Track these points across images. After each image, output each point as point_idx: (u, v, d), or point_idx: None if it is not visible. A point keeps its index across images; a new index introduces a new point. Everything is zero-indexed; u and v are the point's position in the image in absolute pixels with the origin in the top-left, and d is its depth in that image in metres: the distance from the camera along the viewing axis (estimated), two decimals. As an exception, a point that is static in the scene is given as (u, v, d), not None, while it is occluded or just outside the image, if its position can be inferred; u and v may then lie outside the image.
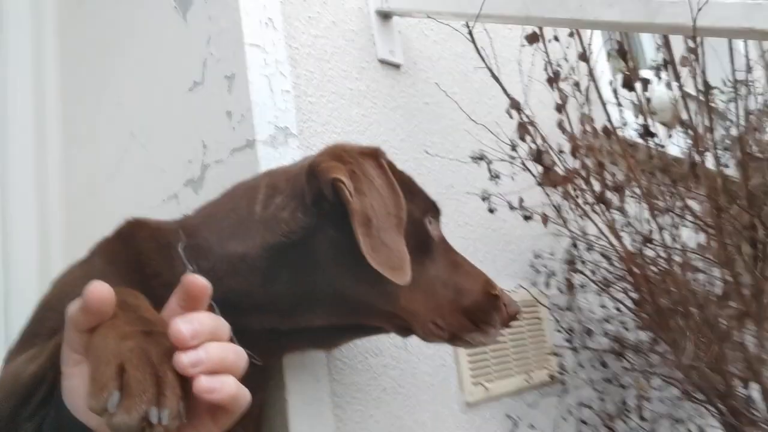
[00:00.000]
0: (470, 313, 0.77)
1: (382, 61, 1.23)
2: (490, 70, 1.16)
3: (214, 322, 0.48)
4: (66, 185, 1.37)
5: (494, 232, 1.37)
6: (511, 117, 1.19)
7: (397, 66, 1.27)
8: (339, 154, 0.75)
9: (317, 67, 1.09)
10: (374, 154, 0.78)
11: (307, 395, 0.89)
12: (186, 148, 1.07)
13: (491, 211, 1.25)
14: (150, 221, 0.80)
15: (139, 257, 0.74)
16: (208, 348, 0.45)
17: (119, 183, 1.24)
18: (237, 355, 0.49)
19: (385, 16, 1.26)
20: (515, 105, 1.15)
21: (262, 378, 0.84)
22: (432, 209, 0.82)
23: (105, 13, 1.32)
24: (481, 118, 1.35)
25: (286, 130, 0.99)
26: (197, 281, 0.49)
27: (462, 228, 1.30)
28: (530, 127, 1.16)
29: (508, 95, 1.17)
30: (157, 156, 1.14)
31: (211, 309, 0.73)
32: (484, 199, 1.22)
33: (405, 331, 0.80)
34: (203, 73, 1.04)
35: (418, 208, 0.79)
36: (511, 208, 1.29)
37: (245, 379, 0.54)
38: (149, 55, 1.19)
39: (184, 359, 0.44)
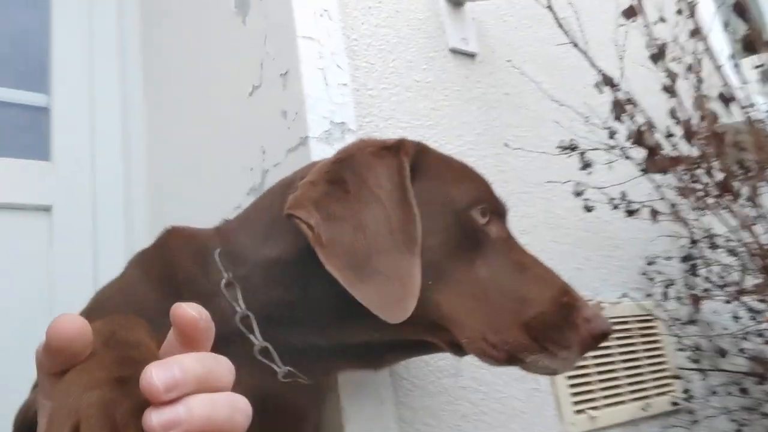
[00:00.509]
0: (534, 328, 0.60)
1: (454, 51, 1.12)
2: (575, 45, 1.01)
3: (205, 367, 0.36)
4: (149, 183, 1.39)
5: (595, 236, 1.19)
6: (601, 91, 1.02)
7: (471, 55, 1.15)
8: (323, 166, 0.66)
9: (378, 58, 1.01)
10: (393, 151, 0.66)
11: (368, 421, 0.78)
12: (247, 156, 1.01)
13: (588, 209, 1.08)
14: (187, 228, 0.74)
15: (171, 265, 0.68)
16: (190, 403, 0.33)
17: (194, 188, 1.22)
18: (233, 409, 0.36)
19: (456, 3, 1.15)
20: (607, 81, 0.99)
21: (314, 398, 0.74)
22: (486, 200, 0.67)
23: (179, 22, 1.33)
24: (573, 108, 1.19)
25: (343, 125, 0.90)
26: (185, 314, 0.37)
27: (554, 231, 1.14)
28: (628, 106, 0.99)
29: (598, 70, 1.01)
30: (221, 166, 1.11)
31: (248, 322, 0.65)
32: (577, 194, 1.06)
33: (458, 348, 0.65)
34: (261, 75, 0.99)
35: (465, 198, 0.66)
36: (614, 206, 1.11)
37: (295, 401, 0.44)
38: (212, 63, 1.16)
39: (153, 419, 0.32)
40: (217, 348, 0.64)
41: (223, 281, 0.65)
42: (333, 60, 0.93)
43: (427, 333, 0.65)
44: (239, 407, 0.37)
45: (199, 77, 1.21)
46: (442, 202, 0.65)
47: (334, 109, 0.90)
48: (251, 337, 0.64)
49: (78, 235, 1.36)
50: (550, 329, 0.60)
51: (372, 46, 1.00)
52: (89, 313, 0.69)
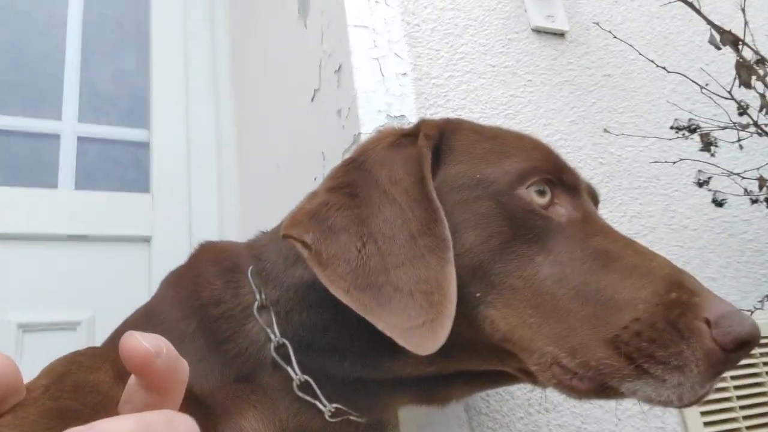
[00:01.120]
0: (627, 344, 0.42)
1: (538, 30, 0.98)
2: (688, 3, 0.82)
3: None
4: (241, 212, 1.38)
5: (732, 238, 0.96)
6: (718, 48, 0.81)
7: (560, 34, 1.00)
8: (331, 171, 0.56)
9: (444, 44, 0.89)
10: (412, 137, 0.54)
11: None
12: (310, 164, 0.94)
13: (719, 203, 0.87)
14: (222, 243, 0.67)
15: (197, 284, 0.60)
16: None
17: (279, 210, 1.17)
18: None
19: (540, -21, 1.01)
20: (731, 38, 0.78)
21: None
22: (544, 172, 0.50)
23: (263, 50, 1.32)
24: (691, 88, 0.99)
25: (402, 119, 0.80)
26: (135, 347, 0.27)
27: (677, 233, 0.93)
28: (758, 67, 0.78)
29: (714, 26, 0.81)
30: (298, 181, 1.05)
31: (285, 351, 0.53)
32: (700, 184, 0.84)
33: (534, 377, 0.48)
34: (320, 77, 0.92)
35: (507, 175, 0.50)
36: (753, 201, 0.88)
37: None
38: (284, 77, 1.12)
39: None
40: (247, 381, 0.53)
41: (257, 303, 0.56)
42: (390, 49, 0.83)
43: (491, 360, 0.51)
44: None
45: (276, 92, 1.18)
46: (476, 185, 0.50)
47: (392, 101, 0.80)
48: (289, 369, 0.54)
49: (176, 264, 1.37)
50: (652, 343, 0.41)
51: (437, 31, 0.89)
52: (113, 339, 0.63)
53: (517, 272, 0.47)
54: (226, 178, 1.45)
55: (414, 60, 0.85)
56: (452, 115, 0.85)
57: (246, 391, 0.54)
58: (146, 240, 1.35)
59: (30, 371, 1.07)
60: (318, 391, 0.54)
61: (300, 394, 0.54)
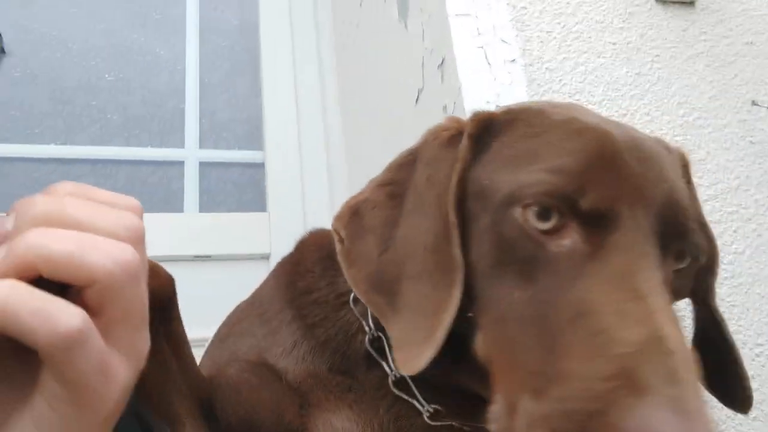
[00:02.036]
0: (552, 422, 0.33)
1: (663, 0, 0.87)
2: None
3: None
4: (351, 192, 1.39)
5: None
6: None
7: (689, 3, 0.89)
8: (392, 162, 0.52)
9: (556, 24, 0.82)
10: (459, 134, 0.47)
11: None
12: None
13: None
14: (327, 230, 0.65)
15: (296, 271, 0.59)
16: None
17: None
18: (83, 246, 0.28)
19: (661, -54, 0.91)
20: None
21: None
22: (548, 194, 0.40)
23: (366, 63, 1.32)
24: None
25: (513, 108, 0.74)
26: None
27: None
28: None
29: None
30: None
31: (379, 344, 0.50)
32: None
33: None
34: (423, 76, 0.88)
35: (506, 187, 0.42)
36: None
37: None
38: (391, 86, 1.10)
39: None
40: (343, 375, 0.51)
41: (353, 294, 0.53)
42: (496, 35, 0.78)
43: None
44: (101, 247, 0.28)
45: (380, 100, 1.16)
46: (484, 195, 0.43)
47: (500, 91, 0.74)
48: (384, 364, 0.51)
49: (294, 280, 1.40)
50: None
51: (546, 11, 0.83)
52: (224, 324, 0.64)
53: (497, 300, 0.41)
54: (337, 191, 1.46)
55: (523, 45, 0.79)
56: (570, 101, 0.78)
57: (342, 387, 0.52)
58: (265, 257, 1.38)
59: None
60: (415, 390, 0.50)
61: (396, 391, 0.50)
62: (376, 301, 0.44)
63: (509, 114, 0.47)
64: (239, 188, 1.48)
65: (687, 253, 0.42)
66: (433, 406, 0.49)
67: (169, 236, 1.32)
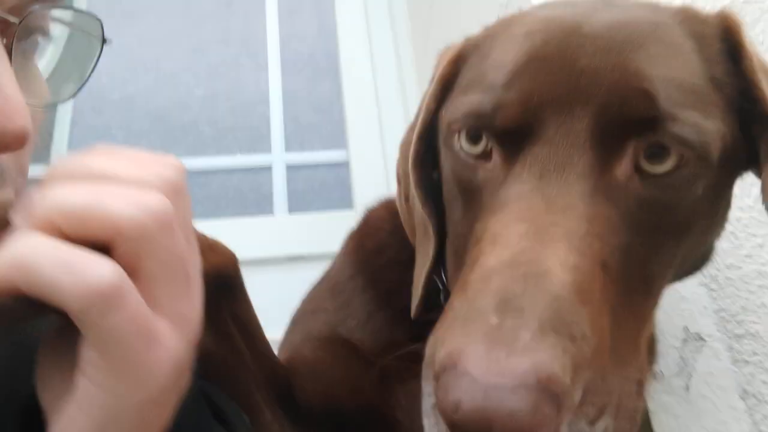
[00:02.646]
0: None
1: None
2: None
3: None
4: None
5: None
6: None
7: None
8: None
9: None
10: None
11: None
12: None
13: None
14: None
15: (365, 234, 0.57)
16: None
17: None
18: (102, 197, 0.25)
19: None
20: None
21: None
22: (472, 115, 0.37)
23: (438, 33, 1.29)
24: None
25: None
26: None
27: None
28: None
29: None
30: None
31: None
32: None
33: None
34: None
35: (449, 110, 0.40)
36: None
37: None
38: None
39: None
40: (421, 329, 0.48)
41: None
42: None
43: None
44: (123, 194, 0.25)
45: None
46: (443, 125, 0.42)
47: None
48: None
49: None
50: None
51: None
52: (299, 305, 0.63)
53: (450, 233, 0.41)
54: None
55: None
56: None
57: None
58: (356, 255, 1.37)
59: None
60: None
61: None
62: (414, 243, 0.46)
63: (478, 36, 0.43)
64: (326, 188, 1.49)
65: (670, 147, 0.33)
66: None
67: (261, 239, 1.34)
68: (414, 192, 0.43)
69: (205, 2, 1.65)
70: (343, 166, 1.51)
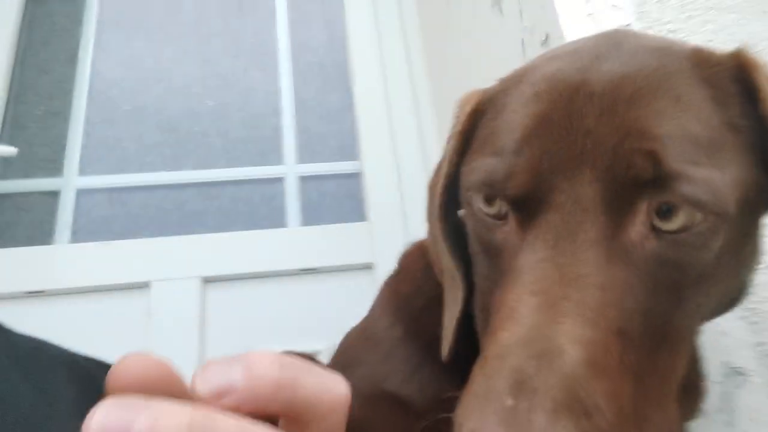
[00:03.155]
0: None
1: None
2: None
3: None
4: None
5: None
6: None
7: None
8: None
9: (674, -18, 0.74)
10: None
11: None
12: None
13: None
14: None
15: (400, 280, 0.55)
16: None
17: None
18: None
19: None
20: None
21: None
22: (484, 184, 0.37)
23: (458, 58, 1.28)
24: None
25: (634, 77, 0.67)
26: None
27: None
28: None
29: None
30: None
31: None
32: None
33: None
34: (523, 57, 0.83)
35: (467, 172, 0.40)
36: None
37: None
38: (477, 71, 1.05)
39: None
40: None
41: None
42: (606, 1, 0.71)
43: None
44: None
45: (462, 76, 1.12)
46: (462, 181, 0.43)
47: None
48: None
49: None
50: None
51: (660, -30, 0.75)
52: (333, 357, 0.61)
53: (477, 288, 0.42)
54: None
55: (638, 8, 0.72)
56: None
57: None
58: (369, 267, 1.36)
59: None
60: None
61: None
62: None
63: (494, 89, 0.43)
64: (339, 200, 1.48)
65: (679, 206, 0.32)
66: None
67: (274, 251, 1.33)
68: (440, 242, 0.44)
69: (215, 13, 1.65)
70: (356, 178, 1.50)
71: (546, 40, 0.74)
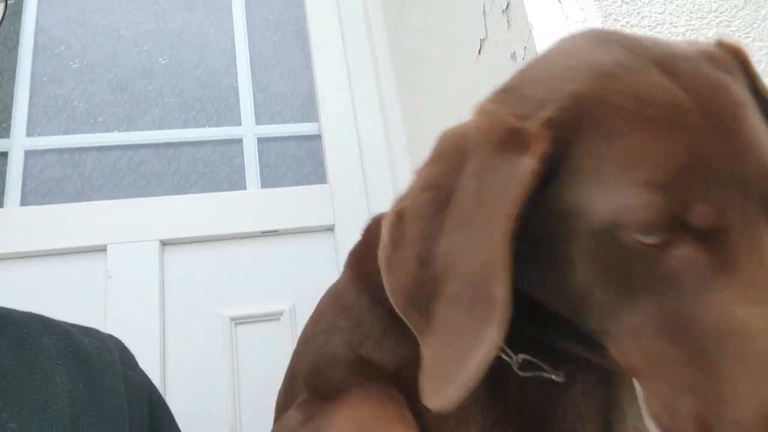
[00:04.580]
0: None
1: None
2: None
3: None
4: (411, 154, 1.36)
5: None
6: None
7: None
8: (433, 154, 0.46)
9: (629, -47, 0.76)
10: (519, 143, 0.39)
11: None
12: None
13: None
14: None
15: (365, 253, 0.57)
16: None
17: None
18: None
19: None
20: None
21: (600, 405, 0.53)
22: (650, 224, 0.36)
23: (417, 21, 1.28)
24: None
25: (589, 47, 0.69)
26: None
27: None
28: None
29: None
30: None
31: None
32: None
33: None
34: (485, 25, 0.84)
35: (603, 214, 0.37)
36: None
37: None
38: (438, 33, 1.06)
39: None
40: None
41: None
42: (564, -29, 0.72)
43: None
44: None
45: (437, 57, 1.12)
46: (574, 218, 0.39)
47: (574, 29, 0.69)
48: None
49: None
50: None
51: (617, -59, 0.77)
52: (308, 325, 0.63)
53: (621, 315, 0.39)
54: (396, 155, 1.43)
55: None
56: (651, 33, 0.72)
57: None
58: (330, 228, 1.38)
59: (244, 359, 1.13)
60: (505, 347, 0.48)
61: None
62: (412, 315, 0.42)
63: (574, 109, 0.39)
64: (299, 161, 1.48)
65: None
66: (521, 355, 0.47)
67: (235, 214, 1.33)
68: (500, 271, 0.38)
69: (167, -35, 1.58)
70: (316, 139, 1.50)
71: (507, 8, 0.75)
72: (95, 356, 0.47)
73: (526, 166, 0.38)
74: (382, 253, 0.45)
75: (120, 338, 0.59)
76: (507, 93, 0.44)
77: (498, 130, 0.40)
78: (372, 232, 0.59)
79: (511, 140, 0.39)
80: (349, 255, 0.62)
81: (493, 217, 0.38)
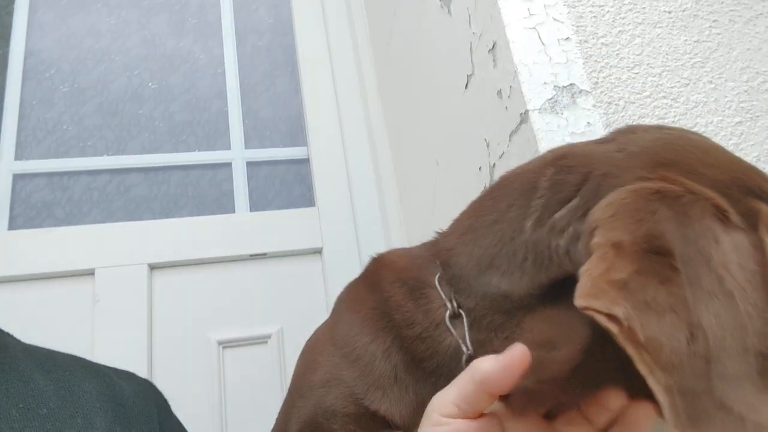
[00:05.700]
0: None
1: (719, -39, 0.84)
2: None
3: None
4: (398, 181, 1.38)
5: None
6: None
7: (746, -39, 0.85)
8: (633, 211, 0.41)
9: (608, -3, 0.80)
10: (747, 221, 0.41)
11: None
12: (474, 155, 0.90)
13: None
14: (397, 256, 0.61)
15: (387, 304, 0.55)
16: None
17: (440, 204, 1.15)
18: None
19: None
20: None
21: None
22: None
23: (405, 53, 1.31)
24: None
25: (572, 87, 0.72)
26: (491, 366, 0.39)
27: None
28: None
29: None
30: (458, 175, 1.01)
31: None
32: None
33: None
34: (471, 61, 0.87)
35: None
36: None
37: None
38: (425, 66, 1.09)
39: None
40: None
41: (448, 312, 0.51)
42: (547, 14, 0.76)
43: None
44: None
45: (424, 89, 1.16)
46: None
47: (557, 70, 0.73)
48: None
49: (348, 273, 1.40)
50: None
51: (597, -15, 0.81)
52: (301, 374, 0.62)
53: None
54: (383, 180, 1.46)
55: (576, 22, 0.77)
56: (627, 74, 0.76)
57: None
58: (318, 251, 1.40)
59: (231, 382, 1.14)
60: None
61: None
62: (674, 402, 0.37)
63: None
64: (287, 185, 1.50)
65: None
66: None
67: (222, 237, 1.34)
68: None
69: (158, -9, 1.61)
70: (304, 163, 1.52)
71: (493, 48, 0.78)
72: (132, 400, 0.49)
73: (763, 236, 0.40)
74: (618, 329, 0.38)
75: (109, 361, 0.59)
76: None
77: (708, 200, 0.41)
78: (379, 275, 0.58)
79: (724, 218, 0.40)
80: (347, 296, 0.61)
81: (753, 282, 0.38)
